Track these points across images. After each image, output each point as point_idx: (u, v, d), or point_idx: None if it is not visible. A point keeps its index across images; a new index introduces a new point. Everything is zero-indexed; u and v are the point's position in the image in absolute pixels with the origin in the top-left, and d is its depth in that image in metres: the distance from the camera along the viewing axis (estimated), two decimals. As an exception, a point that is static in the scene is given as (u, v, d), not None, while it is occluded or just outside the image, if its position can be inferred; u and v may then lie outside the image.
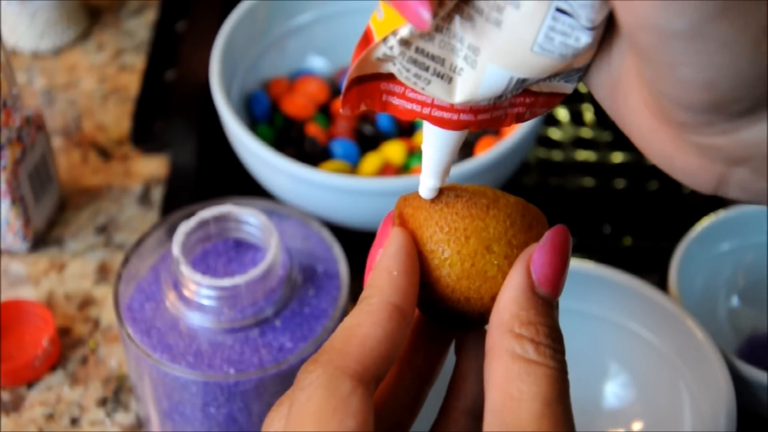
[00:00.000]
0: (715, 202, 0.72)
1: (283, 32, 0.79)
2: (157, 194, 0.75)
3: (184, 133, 0.79)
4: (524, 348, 0.32)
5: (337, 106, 0.77)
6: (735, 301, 0.66)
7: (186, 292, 0.53)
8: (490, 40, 0.30)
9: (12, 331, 0.64)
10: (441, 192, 0.35)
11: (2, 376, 0.62)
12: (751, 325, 0.65)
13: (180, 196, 0.74)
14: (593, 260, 0.61)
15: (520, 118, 0.34)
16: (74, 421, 0.61)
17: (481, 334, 0.36)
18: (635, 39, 0.27)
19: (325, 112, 0.78)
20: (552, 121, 0.83)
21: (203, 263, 0.56)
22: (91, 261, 0.70)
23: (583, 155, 0.80)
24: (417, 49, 0.31)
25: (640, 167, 0.79)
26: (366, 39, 0.31)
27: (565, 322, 0.35)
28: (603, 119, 0.82)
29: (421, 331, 0.38)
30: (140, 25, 0.90)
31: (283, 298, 0.54)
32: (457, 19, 0.30)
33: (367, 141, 0.74)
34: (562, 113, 0.83)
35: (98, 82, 0.84)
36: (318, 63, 0.81)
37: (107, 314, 0.66)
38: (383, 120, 0.75)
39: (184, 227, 0.54)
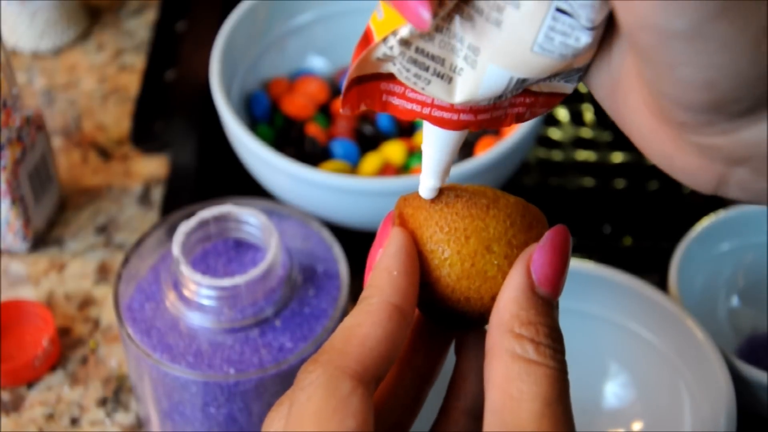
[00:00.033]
0: (715, 202, 0.72)
1: (283, 32, 0.79)
2: (157, 194, 0.75)
3: (184, 133, 0.79)
4: (524, 348, 0.32)
5: (337, 106, 0.77)
6: (735, 301, 0.66)
7: (186, 292, 0.53)
8: (490, 40, 0.30)
9: (12, 331, 0.64)
10: (441, 192, 0.35)
11: (2, 376, 0.62)
12: (751, 325, 0.65)
13: (180, 196, 0.74)
14: (593, 260, 0.61)
15: (520, 118, 0.34)
16: (74, 421, 0.61)
17: (481, 334, 0.36)
18: (635, 39, 0.27)
19: (325, 112, 0.78)
20: (552, 121, 0.83)
21: (203, 263, 0.56)
22: (91, 261, 0.70)
23: (583, 155, 0.80)
24: (417, 49, 0.31)
25: (640, 167, 0.79)
26: (366, 39, 0.31)
27: (565, 322, 0.35)
28: (603, 119, 0.82)
29: (421, 331, 0.38)
30: (140, 25, 0.90)
31: (283, 298, 0.54)
32: (457, 19, 0.30)
33: (367, 141, 0.74)
34: (562, 113, 0.83)
35: (98, 82, 0.84)
36: (318, 63, 0.81)
37: (107, 314, 0.66)
38: (383, 120, 0.75)
39: (184, 227, 0.54)
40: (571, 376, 0.33)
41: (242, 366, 0.52)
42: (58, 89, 0.83)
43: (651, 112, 0.30)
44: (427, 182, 0.35)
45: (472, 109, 0.32)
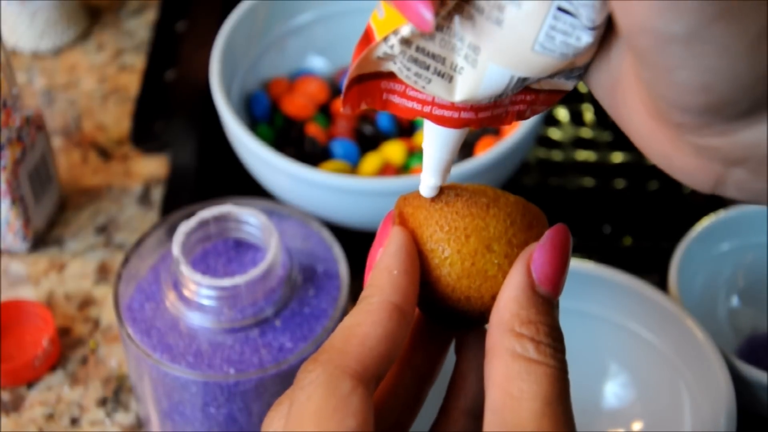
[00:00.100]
0: (715, 202, 0.72)
1: (283, 32, 0.79)
2: (157, 194, 0.75)
3: (184, 133, 0.79)
4: (525, 347, 0.32)
5: (337, 106, 0.77)
6: (735, 301, 0.66)
7: (186, 292, 0.53)
8: (491, 39, 0.30)
9: (12, 331, 0.64)
10: (441, 191, 0.35)
11: (2, 376, 0.62)
12: (751, 325, 0.65)
13: (180, 196, 0.74)
14: (593, 260, 0.61)
15: (521, 116, 0.34)
16: (74, 421, 0.61)
17: (481, 334, 0.36)
18: (633, 42, 0.27)
19: (325, 112, 0.78)
20: (552, 121, 0.83)
21: (203, 263, 0.56)
22: (91, 261, 0.70)
23: (583, 155, 0.80)
24: (418, 48, 0.31)
25: (640, 167, 0.79)
26: (367, 38, 0.31)
27: (565, 322, 0.35)
28: (603, 119, 0.82)
29: (421, 330, 0.38)
30: (140, 25, 0.90)
31: (283, 298, 0.54)
32: (457, 17, 0.30)
33: (367, 141, 0.74)
34: (562, 113, 0.83)
35: (98, 82, 0.84)
36: (318, 63, 0.81)
37: (107, 314, 0.66)
38: (383, 120, 0.75)
39: (184, 227, 0.54)
40: (571, 376, 0.33)
41: (242, 366, 0.52)
42: (58, 89, 0.83)
43: (649, 112, 0.30)
44: (427, 180, 0.35)
45: (473, 107, 0.32)
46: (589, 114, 0.83)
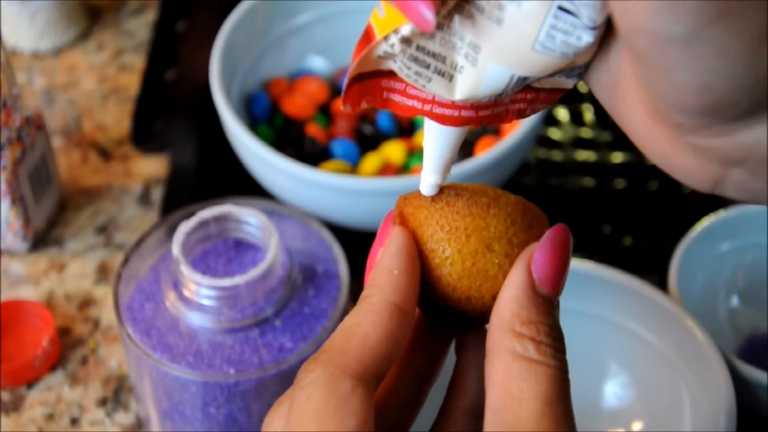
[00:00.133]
0: (715, 202, 0.72)
1: (283, 32, 0.79)
2: (157, 194, 0.75)
3: (184, 133, 0.79)
4: (525, 347, 0.32)
5: (337, 106, 0.77)
6: (735, 301, 0.66)
7: (186, 292, 0.53)
8: (491, 38, 0.30)
9: (12, 331, 0.64)
10: (441, 191, 0.35)
11: (2, 376, 0.62)
12: (751, 325, 0.65)
13: (180, 196, 0.74)
14: (593, 260, 0.61)
15: (521, 114, 0.34)
16: (74, 421, 0.61)
17: (481, 334, 0.36)
18: (632, 42, 0.27)
19: (325, 112, 0.78)
20: (552, 121, 0.83)
21: (203, 263, 0.56)
22: (91, 261, 0.70)
23: (583, 155, 0.80)
24: (418, 47, 0.31)
25: (640, 167, 0.79)
26: (367, 37, 0.31)
27: (565, 322, 0.35)
28: (603, 119, 0.82)
29: (422, 330, 0.38)
30: (140, 25, 0.90)
31: (283, 298, 0.54)
32: (458, 17, 0.30)
33: (367, 141, 0.74)
34: (562, 113, 0.83)
35: (98, 82, 0.84)
36: (318, 63, 0.81)
37: (107, 314, 0.66)
38: (383, 120, 0.75)
39: (184, 227, 0.54)
40: (571, 376, 0.33)
41: (242, 366, 0.52)
42: (58, 89, 0.83)
43: (648, 112, 0.30)
44: (428, 179, 0.35)
45: (473, 105, 0.32)
46: (589, 114, 0.83)
